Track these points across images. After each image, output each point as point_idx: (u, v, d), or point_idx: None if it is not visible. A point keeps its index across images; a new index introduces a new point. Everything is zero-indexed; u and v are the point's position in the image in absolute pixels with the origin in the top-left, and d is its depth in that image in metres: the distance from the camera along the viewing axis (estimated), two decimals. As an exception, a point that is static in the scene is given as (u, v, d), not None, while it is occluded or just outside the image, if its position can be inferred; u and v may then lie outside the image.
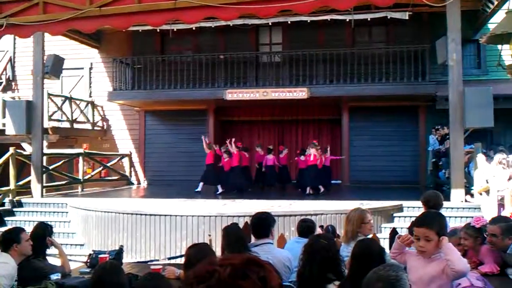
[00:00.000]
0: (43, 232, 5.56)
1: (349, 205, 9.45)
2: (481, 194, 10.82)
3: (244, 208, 10.29)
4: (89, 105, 18.45)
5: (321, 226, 6.96)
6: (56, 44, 17.13)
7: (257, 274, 1.22)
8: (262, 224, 5.05)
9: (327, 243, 3.93)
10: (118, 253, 5.78)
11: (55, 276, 5.05)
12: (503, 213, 8.67)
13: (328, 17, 15.60)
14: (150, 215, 10.15)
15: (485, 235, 5.00)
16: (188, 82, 16.65)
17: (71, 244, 11.16)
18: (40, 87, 13.58)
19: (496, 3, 13.94)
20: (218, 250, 8.27)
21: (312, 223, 6.03)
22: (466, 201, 11.26)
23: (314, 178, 13.50)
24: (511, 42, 5.98)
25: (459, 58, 11.60)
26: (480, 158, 11.30)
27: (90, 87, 19.18)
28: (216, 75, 16.88)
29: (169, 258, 8.25)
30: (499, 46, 6.95)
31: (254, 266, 1.24)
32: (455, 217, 9.95)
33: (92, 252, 6.07)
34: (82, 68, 19.20)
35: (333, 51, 15.94)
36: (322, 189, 13.48)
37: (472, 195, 11.48)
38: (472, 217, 5.58)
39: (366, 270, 3.25)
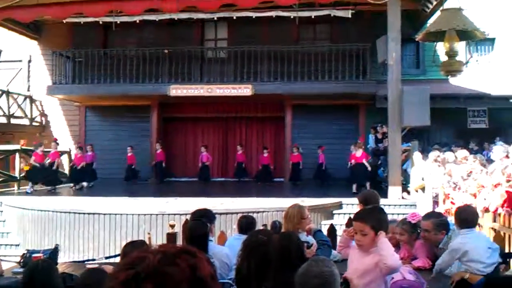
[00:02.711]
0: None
1: (290, 202, 9.49)
2: (417, 191, 11.14)
3: (186, 206, 10.17)
4: (27, 99, 17.83)
5: (265, 225, 7.00)
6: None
7: (187, 262, 1.23)
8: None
9: (266, 238, 3.94)
10: (53, 252, 5.64)
11: (-15, 277, 4.87)
12: (437, 210, 8.96)
13: (273, 13, 15.68)
14: (89, 213, 9.93)
15: (418, 231, 5.15)
16: (131, 77, 16.34)
17: (5, 244, 10.81)
18: (-26, 80, 13.03)
19: (435, 3, 14.38)
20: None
21: (253, 219, 6.05)
22: (403, 198, 11.58)
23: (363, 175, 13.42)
24: (445, 39, 6.17)
25: (398, 57, 11.92)
26: (417, 156, 11.65)
27: (28, 80, 18.56)
28: (160, 70, 16.63)
29: (107, 257, 8.09)
30: (435, 44, 7.19)
31: (186, 255, 1.26)
32: (392, 213, 10.12)
33: (25, 252, 5.89)
34: (21, 61, 18.56)
35: (277, 48, 16.04)
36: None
37: (408, 192, 11.80)
38: (408, 214, 5.73)
39: (287, 263, 3.30)
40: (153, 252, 1.24)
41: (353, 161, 13.60)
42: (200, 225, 4.84)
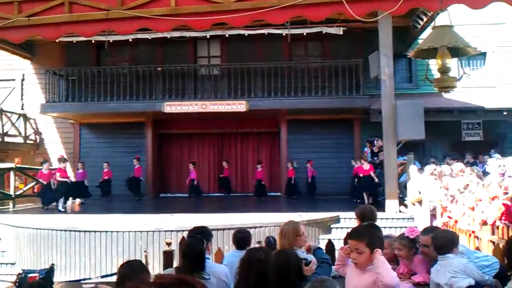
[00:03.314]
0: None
1: (287, 217, 9.47)
2: (414, 204, 11.12)
3: (182, 223, 10.12)
4: (21, 117, 17.80)
5: (259, 242, 6.93)
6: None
7: None
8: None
9: (263, 256, 3.90)
10: (49, 272, 5.57)
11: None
12: (435, 223, 8.95)
13: (265, 31, 15.81)
14: (85, 231, 9.82)
15: (417, 246, 5.11)
16: (124, 94, 16.37)
17: (1, 263, 10.68)
18: (-33, 99, 12.99)
19: (425, 19, 14.55)
20: (156, 267, 8.15)
21: (248, 233, 5.97)
22: (400, 211, 11.56)
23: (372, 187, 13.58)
24: (437, 56, 6.19)
25: (391, 72, 11.98)
26: (413, 169, 11.65)
27: (22, 99, 18.53)
28: (154, 87, 16.68)
29: (102, 277, 8.01)
30: (427, 61, 7.22)
31: (182, 285, 1.22)
32: (390, 227, 10.15)
33: (21, 272, 5.82)
34: (14, 80, 18.55)
35: (271, 64, 16.13)
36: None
37: (406, 206, 11.79)
38: (406, 227, 5.69)
39: (285, 281, 3.26)
40: (149, 284, 1.22)
41: (361, 174, 13.65)
42: (196, 242, 4.78)
